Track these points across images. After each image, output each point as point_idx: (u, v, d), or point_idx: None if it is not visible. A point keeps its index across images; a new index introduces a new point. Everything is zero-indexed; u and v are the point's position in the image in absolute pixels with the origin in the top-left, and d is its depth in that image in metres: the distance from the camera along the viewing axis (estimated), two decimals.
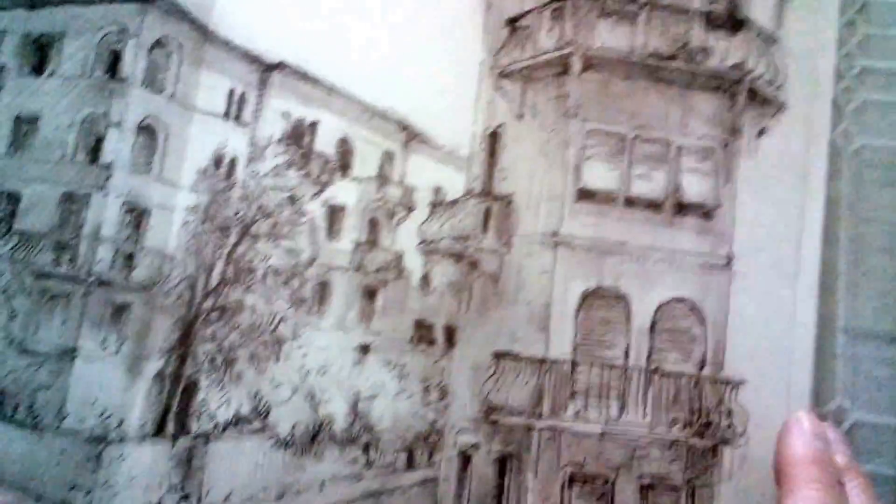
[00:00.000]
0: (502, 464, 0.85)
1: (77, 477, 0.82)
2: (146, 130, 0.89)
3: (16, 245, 0.83)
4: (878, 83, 0.89)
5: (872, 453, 0.82)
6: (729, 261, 0.84)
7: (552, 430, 0.82)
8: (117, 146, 0.90)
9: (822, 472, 0.70)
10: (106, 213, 0.89)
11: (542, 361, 0.83)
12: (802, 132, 0.85)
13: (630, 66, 0.87)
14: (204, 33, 0.84)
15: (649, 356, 0.84)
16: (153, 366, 0.81)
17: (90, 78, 0.89)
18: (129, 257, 0.87)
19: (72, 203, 0.89)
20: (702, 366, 0.85)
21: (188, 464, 0.83)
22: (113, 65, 0.89)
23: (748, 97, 0.87)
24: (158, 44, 0.88)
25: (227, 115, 0.86)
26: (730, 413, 0.82)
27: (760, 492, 0.76)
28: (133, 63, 0.88)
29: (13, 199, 0.85)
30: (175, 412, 0.82)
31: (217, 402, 0.83)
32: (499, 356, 0.85)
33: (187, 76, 0.86)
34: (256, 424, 0.85)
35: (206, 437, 0.83)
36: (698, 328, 0.85)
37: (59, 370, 0.83)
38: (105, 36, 0.88)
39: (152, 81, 0.88)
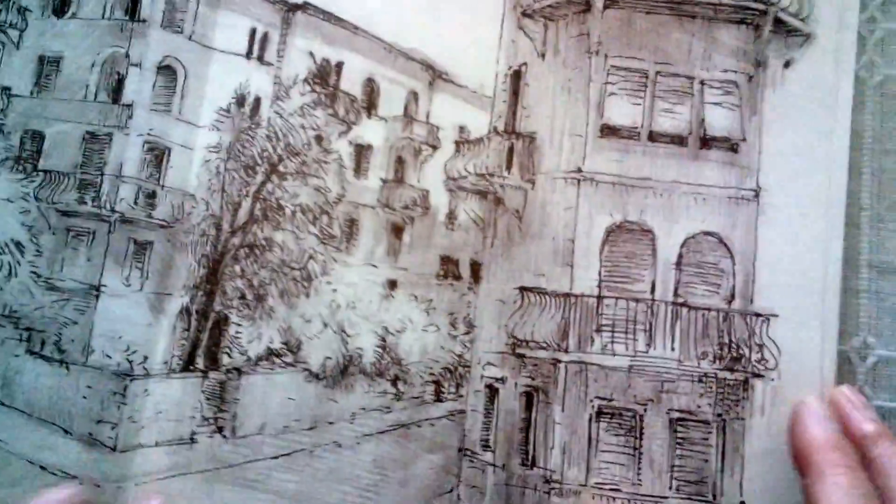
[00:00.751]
0: (529, 397, 0.86)
1: (103, 411, 0.83)
2: (166, 70, 0.90)
3: (41, 183, 0.84)
4: None
5: None
6: (756, 193, 0.84)
7: (579, 363, 0.83)
8: (138, 86, 0.91)
9: (845, 455, 0.70)
10: (127, 152, 0.90)
11: (568, 296, 0.83)
12: (830, 63, 0.84)
13: (652, 1, 0.87)
14: None
15: (676, 290, 0.84)
16: (177, 302, 0.82)
17: (110, 19, 0.90)
18: (151, 195, 0.88)
19: (94, 142, 0.90)
20: (731, 299, 0.85)
21: (220, 397, 0.85)
22: (132, 6, 0.90)
23: (773, 29, 0.86)
24: None
25: (249, 54, 0.87)
26: (761, 347, 0.82)
27: (785, 428, 0.76)
28: (152, 3, 0.89)
29: (37, 138, 0.86)
30: (205, 347, 0.84)
31: (248, 337, 0.85)
32: (524, 291, 0.85)
33: (206, 16, 0.86)
34: (288, 358, 0.86)
35: (238, 372, 0.85)
36: (726, 261, 0.85)
37: (84, 306, 0.85)
38: None
39: (171, 22, 0.89)
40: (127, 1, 0.89)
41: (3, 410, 0.81)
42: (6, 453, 0.80)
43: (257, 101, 0.84)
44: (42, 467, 0.83)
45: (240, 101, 0.83)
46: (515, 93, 0.94)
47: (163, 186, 0.86)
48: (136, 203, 0.87)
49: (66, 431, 0.81)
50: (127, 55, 0.88)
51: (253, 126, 0.83)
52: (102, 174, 0.88)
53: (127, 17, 0.89)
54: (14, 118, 0.86)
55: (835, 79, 0.84)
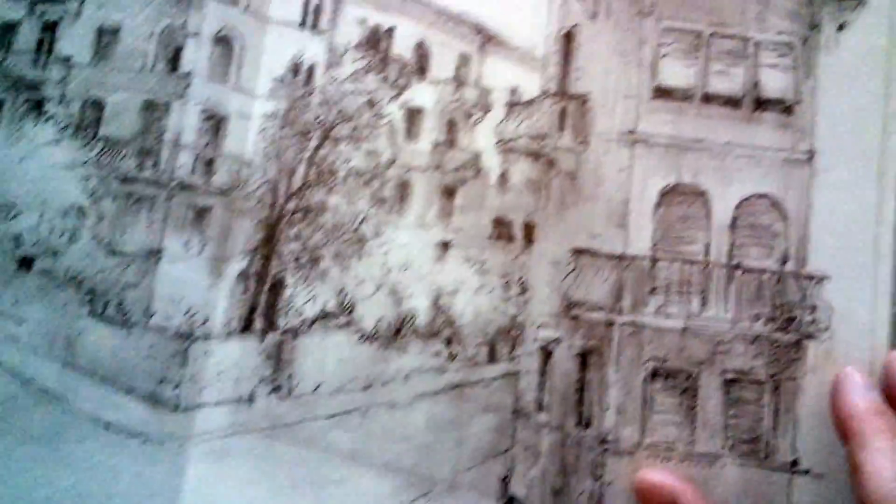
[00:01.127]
0: (584, 358, 0.87)
1: (165, 371, 0.86)
2: (222, 41, 0.92)
3: (101, 150, 0.86)
4: None
5: None
6: (810, 156, 0.85)
7: (633, 325, 0.84)
8: (195, 56, 0.93)
9: (887, 421, 0.71)
10: (185, 121, 0.92)
11: (622, 258, 0.85)
12: (884, 27, 0.84)
13: None
14: None
15: (730, 252, 0.85)
16: (236, 266, 0.85)
17: None
18: (209, 163, 0.91)
19: (153, 111, 0.92)
20: (784, 261, 0.85)
21: (278, 358, 0.87)
22: None
23: None
24: None
25: (303, 23, 0.89)
26: (813, 308, 0.83)
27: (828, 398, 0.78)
28: None
29: (98, 106, 0.88)
30: (262, 309, 0.86)
31: (304, 298, 0.87)
32: (578, 252, 0.86)
33: None
34: (342, 319, 0.88)
35: (294, 332, 0.87)
36: (780, 224, 0.86)
37: (145, 270, 0.87)
38: None
39: None
40: None
41: (67, 371, 0.84)
42: (71, 412, 0.83)
43: (311, 68, 0.86)
44: (106, 426, 0.84)
45: (295, 69, 0.85)
46: (567, 54, 0.94)
47: (220, 154, 0.89)
48: (194, 170, 0.89)
49: (128, 391, 0.83)
50: (184, 26, 0.90)
51: (307, 94, 0.85)
52: (161, 142, 0.90)
53: None
54: (74, 87, 0.89)
55: (889, 42, 0.85)
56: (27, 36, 0.89)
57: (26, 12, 0.89)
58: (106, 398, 0.83)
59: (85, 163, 0.85)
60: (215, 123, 0.90)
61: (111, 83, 0.89)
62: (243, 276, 0.83)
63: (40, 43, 0.88)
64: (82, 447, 0.81)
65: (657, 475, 0.76)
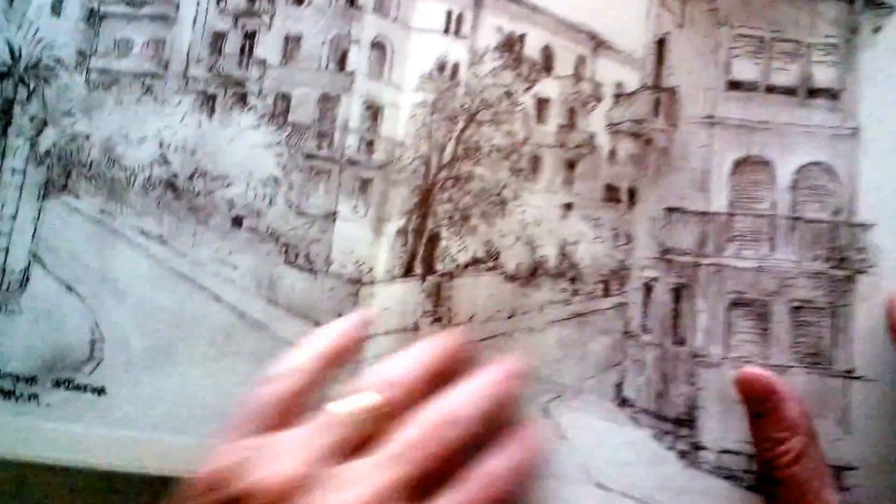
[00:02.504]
0: (677, 292, 0.97)
1: (342, 308, 0.95)
2: (378, 46, 1.02)
3: (290, 133, 0.98)
4: None
5: None
6: (855, 131, 0.94)
7: (716, 265, 0.94)
8: (357, 58, 1.03)
9: None
10: (351, 110, 1.02)
11: (705, 213, 0.95)
12: None
13: None
14: None
15: (793, 207, 0.95)
16: (394, 225, 0.95)
17: (335, 7, 1.03)
18: (370, 143, 1.01)
19: (327, 102, 1.03)
20: (837, 213, 0.94)
21: (437, 295, 0.96)
22: None
23: (864, 3, 0.97)
24: None
25: (446, 31, 0.97)
26: (862, 249, 0.92)
27: (885, 311, 0.88)
28: None
29: (286, 98, 0.99)
30: (421, 257, 0.96)
31: (456, 248, 0.96)
32: (670, 210, 0.97)
33: (408, 3, 0.98)
34: (489, 264, 0.97)
35: (450, 275, 0.96)
36: (833, 184, 0.94)
37: (325, 228, 0.97)
38: None
39: (380, 8, 1.01)
40: None
41: (270, 306, 0.93)
42: (275, 338, 0.92)
43: (456, 66, 0.96)
44: None
45: (440, 67, 0.96)
46: (660, 56, 1.01)
47: (378, 136, 0.99)
48: (359, 149, 0.99)
49: (315, 322, 0.93)
50: (348, 35, 1.01)
51: (453, 86, 0.95)
52: (334, 126, 1.01)
53: (348, 4, 1.01)
54: (269, 83, 1.00)
55: None
56: (233, 43, 0.99)
57: (232, 24, 1.00)
58: (300, 328, 0.92)
59: (278, 143, 0.96)
60: (374, 112, 1.00)
61: (296, 80, 0.99)
62: (402, 232, 0.94)
63: (243, 48, 0.98)
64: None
65: (757, 369, 0.84)
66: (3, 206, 0.93)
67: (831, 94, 0.98)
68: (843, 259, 0.94)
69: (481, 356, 0.84)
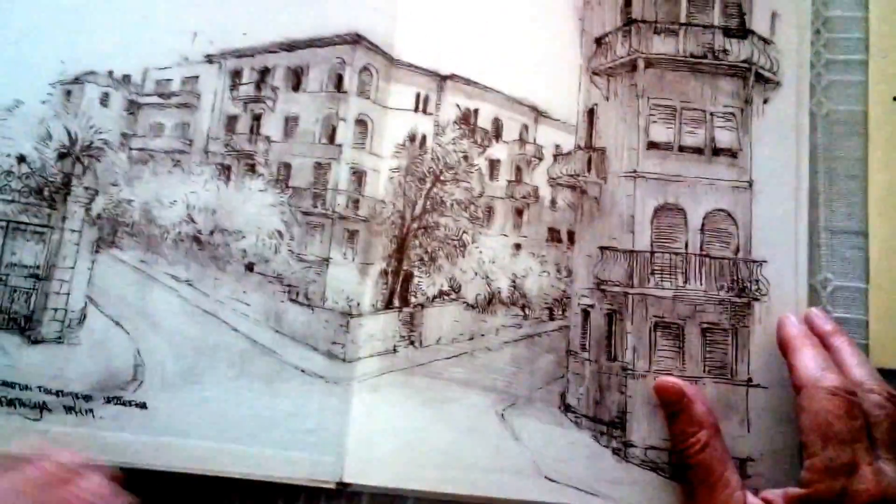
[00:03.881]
0: (610, 317, 1.04)
1: (335, 336, 1.04)
2: (360, 122, 1.13)
3: (291, 195, 1.08)
4: (838, 69, 1.08)
5: (849, 305, 1.01)
6: (750, 184, 1.02)
7: (641, 294, 1.02)
8: (344, 133, 1.14)
9: (810, 339, 0.88)
10: (340, 175, 1.13)
11: (631, 251, 1.03)
12: (793, 101, 1.04)
13: (676, 63, 1.06)
14: (391, 61, 1.07)
15: (701, 246, 1.03)
16: (377, 267, 1.04)
17: (326, 91, 1.15)
18: (356, 202, 1.11)
19: (320, 169, 1.14)
20: (737, 251, 1.02)
21: (412, 323, 1.06)
22: (338, 83, 1.14)
23: (756, 79, 1.05)
24: (364, 69, 1.11)
25: (416, 109, 1.07)
26: (757, 281, 1.00)
27: (775, 332, 0.94)
28: (350, 81, 1.11)
29: (287, 167, 1.10)
30: (399, 293, 1.06)
31: (426, 284, 1.06)
32: (603, 249, 1.05)
33: (384, 88, 1.07)
34: (453, 296, 1.07)
35: (421, 306, 1.06)
36: (733, 228, 1.03)
37: (320, 271, 1.06)
38: (333, 66, 1.13)
39: (362, 92, 1.11)
40: (335, 81, 1.13)
41: (278, 335, 1.04)
42: (281, 362, 1.02)
43: (423, 137, 1.07)
44: (302, 371, 0.99)
45: (411, 138, 1.06)
46: (591, 122, 1.09)
47: (362, 195, 1.10)
48: (347, 206, 1.10)
49: (314, 349, 1.03)
50: (337, 114, 1.12)
51: (421, 153, 1.06)
52: (326, 189, 1.13)
53: (336, 90, 1.13)
54: (273, 155, 1.12)
55: (797, 110, 1.04)
56: (244, 123, 1.10)
57: (242, 109, 1.12)
58: (302, 353, 1.01)
59: (281, 203, 1.06)
60: (358, 176, 1.10)
61: (294, 152, 1.09)
62: (383, 273, 1.02)
63: (251, 127, 1.09)
64: (289, 384, 0.99)
65: (671, 378, 0.94)
66: (64, 259, 1.08)
67: (731, 154, 1.07)
68: (742, 289, 0.99)
69: None
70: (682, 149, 1.06)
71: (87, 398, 1.00)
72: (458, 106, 1.13)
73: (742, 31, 1.07)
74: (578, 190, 1.09)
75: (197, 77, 1.17)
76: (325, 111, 1.17)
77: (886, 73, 1.04)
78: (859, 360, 0.85)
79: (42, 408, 0.97)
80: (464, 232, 1.09)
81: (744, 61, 1.06)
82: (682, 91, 1.06)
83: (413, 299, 1.09)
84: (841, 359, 0.86)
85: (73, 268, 1.08)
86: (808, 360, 0.84)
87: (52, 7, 1.06)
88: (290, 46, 1.11)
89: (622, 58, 1.09)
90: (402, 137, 1.10)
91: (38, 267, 1.04)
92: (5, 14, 1.04)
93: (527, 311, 1.07)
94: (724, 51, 1.06)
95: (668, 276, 1.03)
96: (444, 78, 1.13)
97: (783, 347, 0.91)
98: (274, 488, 0.95)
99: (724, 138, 1.06)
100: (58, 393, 0.98)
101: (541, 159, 1.12)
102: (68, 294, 1.06)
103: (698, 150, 1.06)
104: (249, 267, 1.10)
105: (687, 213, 1.04)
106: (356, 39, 1.09)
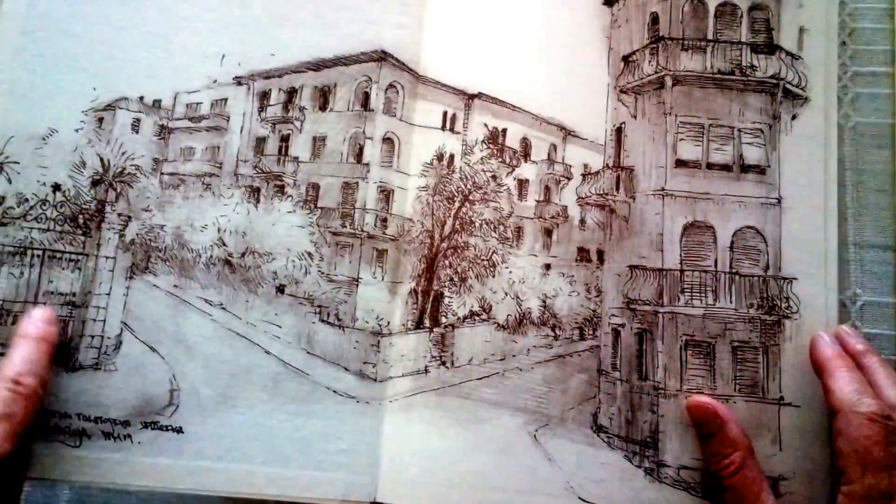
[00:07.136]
0: (640, 335, 1.06)
1: (366, 356, 1.06)
2: (388, 140, 1.14)
3: (319, 215, 1.09)
4: (865, 81, 1.10)
5: (878, 321, 1.03)
6: (779, 200, 1.03)
7: (671, 313, 1.03)
8: (371, 151, 1.16)
9: (845, 360, 0.89)
10: (368, 193, 1.16)
11: (661, 270, 1.04)
12: (821, 116, 1.05)
13: (704, 80, 1.07)
14: (417, 77, 1.08)
15: (731, 264, 1.03)
16: (406, 287, 1.05)
17: (353, 110, 1.17)
18: (384, 221, 1.14)
19: (348, 188, 1.16)
20: (767, 269, 1.03)
21: (443, 343, 1.08)
22: (365, 101, 1.16)
23: (784, 95, 1.06)
24: (390, 86, 1.13)
25: (443, 127, 1.07)
26: (787, 299, 1.01)
27: (808, 349, 0.96)
28: (377, 99, 1.14)
29: (316, 187, 1.11)
30: (429, 313, 1.08)
31: (457, 305, 1.08)
32: (632, 268, 1.06)
33: (410, 105, 1.08)
34: (484, 316, 1.09)
35: (452, 326, 1.08)
36: (762, 245, 1.04)
37: (350, 291, 1.08)
38: (359, 84, 1.14)
39: (388, 110, 1.13)
40: (362, 99, 1.15)
41: (309, 357, 1.05)
42: (313, 383, 1.03)
43: (451, 156, 1.08)
44: (334, 392, 1.01)
45: (439, 157, 1.07)
46: (619, 141, 1.12)
47: (390, 214, 1.13)
48: (375, 225, 1.13)
49: (346, 369, 1.05)
50: (364, 132, 1.14)
51: (450, 173, 1.07)
52: (354, 208, 1.16)
53: (362, 108, 1.15)
54: (301, 176, 1.14)
55: (825, 126, 1.04)
56: (272, 145, 1.12)
57: (270, 130, 1.14)
58: (333, 374, 1.03)
59: (311, 224, 1.07)
60: (386, 195, 1.13)
61: (323, 172, 1.11)
62: (413, 292, 1.04)
63: (280, 149, 1.11)
64: (321, 405, 1.00)
65: (704, 397, 0.94)
66: (100, 286, 1.10)
67: (759, 170, 1.09)
68: (772, 307, 1.00)
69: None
70: (710, 166, 1.07)
71: (125, 424, 1.02)
72: (485, 125, 1.15)
73: (770, 47, 1.07)
74: (607, 209, 1.10)
75: (226, 99, 1.18)
76: (352, 130, 1.18)
77: None
78: (894, 380, 0.86)
79: (81, 434, 0.99)
80: (493, 252, 1.11)
81: (772, 77, 1.06)
82: (709, 108, 1.07)
83: (444, 319, 1.11)
84: (874, 380, 0.86)
85: (108, 294, 1.10)
86: (845, 384, 0.85)
87: (83, 35, 1.07)
88: (318, 66, 1.11)
89: (650, 76, 1.10)
90: (430, 156, 1.10)
91: (73, 294, 1.06)
92: (38, 44, 1.05)
93: (557, 331, 1.09)
94: (752, 67, 1.07)
95: (697, 294, 1.03)
96: (471, 97, 1.13)
97: (818, 368, 0.91)
98: None
99: (753, 155, 1.07)
100: (97, 420, 1.00)
101: (569, 179, 1.14)
102: (104, 321, 1.08)
103: (726, 167, 1.07)
104: (280, 289, 1.12)
105: (716, 231, 1.05)
106: (382, 57, 1.09)
